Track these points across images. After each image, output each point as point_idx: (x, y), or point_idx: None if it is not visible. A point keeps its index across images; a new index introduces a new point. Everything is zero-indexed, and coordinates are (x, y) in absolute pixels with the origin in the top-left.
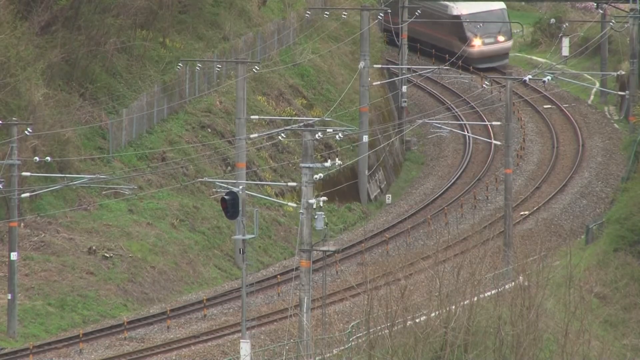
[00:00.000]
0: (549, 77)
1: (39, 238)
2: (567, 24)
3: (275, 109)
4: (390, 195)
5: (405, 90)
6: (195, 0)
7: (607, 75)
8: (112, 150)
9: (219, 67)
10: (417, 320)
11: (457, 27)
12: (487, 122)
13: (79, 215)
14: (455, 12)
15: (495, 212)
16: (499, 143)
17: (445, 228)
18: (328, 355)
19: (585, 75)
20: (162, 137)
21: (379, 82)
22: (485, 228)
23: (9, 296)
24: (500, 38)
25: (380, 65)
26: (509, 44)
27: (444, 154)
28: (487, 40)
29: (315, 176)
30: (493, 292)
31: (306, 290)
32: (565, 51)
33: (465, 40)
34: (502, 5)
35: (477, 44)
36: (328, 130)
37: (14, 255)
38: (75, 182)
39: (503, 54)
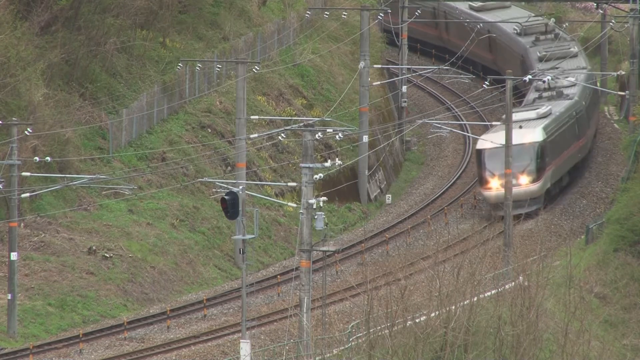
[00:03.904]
0: (549, 77)
1: (39, 238)
2: (567, 24)
3: (275, 109)
4: (390, 196)
5: (405, 90)
6: (195, 0)
7: (607, 75)
8: (112, 150)
9: (219, 67)
10: (417, 320)
11: (480, 163)
12: (487, 122)
13: (79, 215)
14: (478, 146)
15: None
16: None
17: (445, 228)
18: (328, 355)
19: None
20: (162, 137)
21: (379, 82)
22: (485, 228)
23: (9, 296)
24: (523, 179)
25: (380, 65)
26: (536, 186)
27: (444, 154)
28: None
29: (315, 176)
30: (493, 292)
31: (306, 290)
32: None
33: (483, 180)
34: (537, 137)
35: (495, 186)
36: (328, 130)
37: (14, 255)
38: (75, 182)
39: (530, 199)
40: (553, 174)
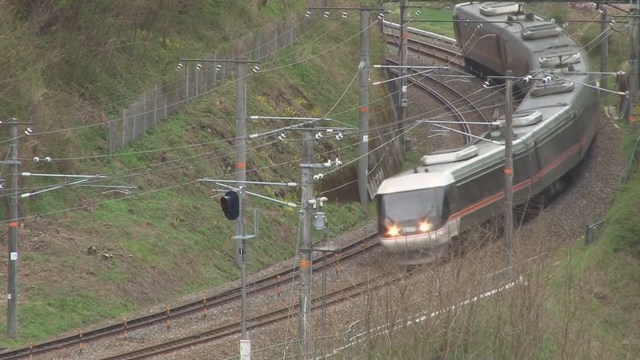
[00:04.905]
0: (549, 77)
1: (39, 238)
2: (567, 24)
3: (275, 109)
4: None
5: (405, 90)
6: (195, 0)
7: (607, 75)
8: (112, 150)
9: (219, 67)
10: (417, 320)
11: (379, 210)
12: (487, 122)
13: (79, 215)
14: (379, 191)
15: None
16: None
17: None
18: (328, 355)
19: None
20: (162, 137)
21: (379, 82)
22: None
23: (9, 296)
24: (424, 227)
25: (380, 65)
26: (436, 234)
27: None
28: (407, 229)
29: (315, 176)
30: (493, 292)
31: (306, 290)
32: None
33: (382, 228)
34: (441, 181)
35: (394, 234)
36: (328, 130)
37: (14, 255)
38: (75, 182)
39: (428, 249)
40: (464, 221)
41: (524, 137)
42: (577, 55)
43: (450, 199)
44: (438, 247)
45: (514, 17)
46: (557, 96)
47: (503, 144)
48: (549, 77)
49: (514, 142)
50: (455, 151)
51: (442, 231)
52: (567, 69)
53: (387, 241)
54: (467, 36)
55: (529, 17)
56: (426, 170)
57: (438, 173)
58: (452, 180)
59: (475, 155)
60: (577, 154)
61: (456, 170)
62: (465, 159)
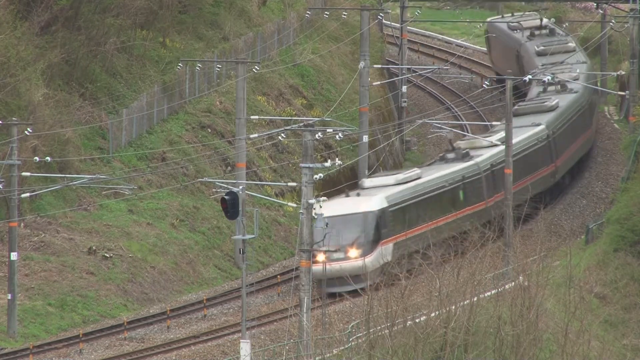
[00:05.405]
0: (549, 77)
1: (39, 238)
2: (567, 24)
3: (275, 109)
4: None
5: (405, 90)
6: (195, 0)
7: (607, 75)
8: (112, 150)
9: (219, 67)
10: (417, 320)
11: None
12: (487, 122)
13: (79, 215)
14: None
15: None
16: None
17: None
18: (328, 355)
19: None
20: (162, 137)
21: (379, 82)
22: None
23: (9, 296)
24: (352, 253)
25: (380, 65)
26: (363, 261)
27: None
28: (335, 255)
29: (315, 176)
30: (493, 292)
31: (306, 290)
32: None
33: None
34: (372, 206)
35: (320, 260)
36: (328, 130)
37: (14, 255)
38: (75, 182)
39: (357, 275)
40: (399, 247)
41: (478, 159)
42: (577, 73)
43: (382, 224)
44: (369, 273)
45: (536, 32)
46: (535, 116)
47: (455, 166)
48: (549, 77)
49: (465, 164)
50: (395, 174)
51: (372, 257)
52: (559, 86)
53: (314, 267)
54: (495, 49)
55: (551, 32)
56: (358, 194)
57: (370, 197)
58: (385, 205)
59: (417, 179)
60: (550, 177)
61: (391, 195)
62: (404, 183)
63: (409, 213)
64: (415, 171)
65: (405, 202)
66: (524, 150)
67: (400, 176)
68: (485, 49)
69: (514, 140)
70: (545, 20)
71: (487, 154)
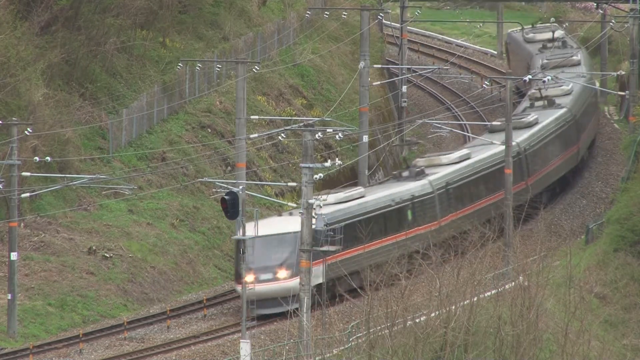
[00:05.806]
0: (549, 77)
1: (39, 238)
2: (567, 24)
3: (275, 109)
4: None
5: (405, 90)
6: (195, 0)
7: (607, 75)
8: (112, 150)
9: (219, 67)
10: (417, 320)
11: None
12: (487, 122)
13: (79, 215)
14: (236, 236)
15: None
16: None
17: None
18: (328, 355)
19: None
20: (162, 137)
21: (379, 82)
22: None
23: (9, 296)
24: (281, 274)
25: (380, 65)
26: (294, 282)
27: None
28: (263, 276)
29: (315, 176)
30: (493, 292)
31: (306, 290)
32: None
33: (238, 274)
34: (298, 226)
35: (249, 281)
36: (328, 130)
37: (14, 255)
38: (75, 182)
39: (286, 297)
40: (332, 267)
41: (431, 177)
42: (569, 87)
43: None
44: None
45: (549, 45)
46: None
47: (405, 185)
48: (549, 77)
49: (417, 183)
50: (336, 193)
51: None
52: (546, 102)
53: (241, 289)
54: (514, 60)
55: (563, 44)
56: (290, 214)
57: (299, 217)
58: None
59: (360, 197)
60: (522, 194)
61: (325, 215)
62: (345, 202)
63: (344, 233)
64: (358, 190)
65: (341, 222)
66: (484, 169)
67: (341, 195)
68: (505, 58)
69: (476, 158)
70: (560, 33)
71: (442, 172)
